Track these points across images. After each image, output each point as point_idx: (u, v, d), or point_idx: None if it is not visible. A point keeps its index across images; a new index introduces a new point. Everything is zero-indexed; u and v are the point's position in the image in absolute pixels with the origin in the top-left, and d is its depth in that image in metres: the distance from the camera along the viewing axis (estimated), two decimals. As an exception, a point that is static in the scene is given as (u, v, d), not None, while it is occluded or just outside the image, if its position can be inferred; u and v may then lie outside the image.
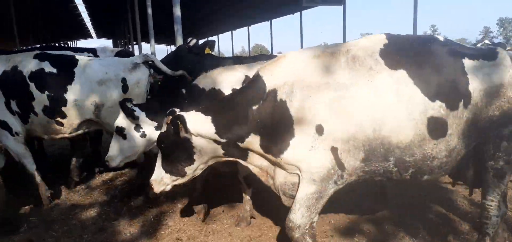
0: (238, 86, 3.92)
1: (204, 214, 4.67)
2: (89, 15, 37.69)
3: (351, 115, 2.93)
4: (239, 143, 3.20)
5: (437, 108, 2.92)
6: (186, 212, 4.88)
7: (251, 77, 3.47)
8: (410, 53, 3.06)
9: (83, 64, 5.00)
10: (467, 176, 3.35)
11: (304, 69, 3.08)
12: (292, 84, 3.02)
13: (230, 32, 39.53)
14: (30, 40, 29.01)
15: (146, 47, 20.95)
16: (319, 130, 2.96)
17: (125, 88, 5.01)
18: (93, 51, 6.21)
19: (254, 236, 4.34)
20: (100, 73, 4.95)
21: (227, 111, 3.23)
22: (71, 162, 5.79)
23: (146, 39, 17.91)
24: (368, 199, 5.03)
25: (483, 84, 2.96)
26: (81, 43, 69.01)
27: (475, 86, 2.96)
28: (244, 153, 3.31)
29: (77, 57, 5.13)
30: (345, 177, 3.10)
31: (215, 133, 3.15)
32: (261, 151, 3.19)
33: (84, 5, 30.59)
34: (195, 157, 3.24)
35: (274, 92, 3.06)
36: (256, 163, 3.36)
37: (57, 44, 43.54)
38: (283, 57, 3.29)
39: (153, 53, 12.79)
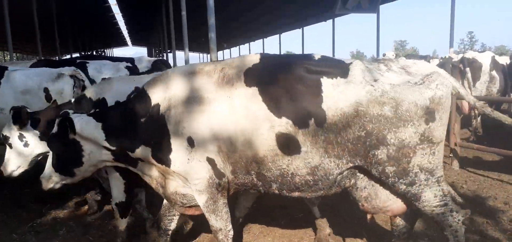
0: (124, 98, 3.97)
1: None
2: (126, 23, 38.89)
3: (214, 129, 3.05)
4: (130, 153, 3.33)
5: (284, 125, 2.90)
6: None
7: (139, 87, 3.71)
8: (271, 72, 3.08)
9: (8, 74, 5.23)
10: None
11: (182, 85, 3.20)
12: (170, 99, 3.18)
13: (261, 40, 39.60)
14: (70, 49, 30.15)
15: (180, 55, 21.50)
16: (191, 142, 3.11)
17: (47, 97, 5.21)
18: (131, 61, 6.42)
19: None
20: (24, 82, 5.20)
21: (118, 120, 3.37)
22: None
23: (179, 47, 18.38)
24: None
25: (338, 103, 2.82)
26: (117, 51, 71.17)
27: (329, 105, 2.83)
28: (134, 161, 3.43)
29: (6, 67, 5.36)
30: (223, 185, 3.22)
31: (105, 140, 3.31)
32: (154, 162, 3.31)
33: (121, 14, 31.58)
34: (84, 159, 3.38)
35: (157, 106, 3.22)
36: (146, 172, 3.48)
37: (94, 53, 45.41)
38: (167, 72, 3.46)
39: (187, 61, 13.02)
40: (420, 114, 2.79)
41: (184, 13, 11.89)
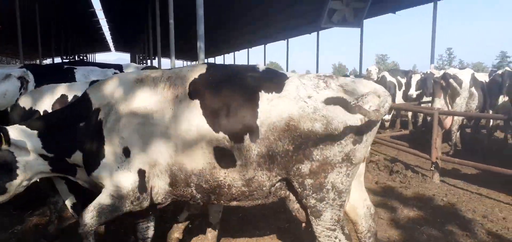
0: (58, 105, 4.03)
1: None
2: (110, 29, 38.56)
3: (154, 140, 3.03)
4: (67, 159, 3.28)
5: (222, 139, 2.91)
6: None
7: (70, 96, 3.78)
8: (214, 84, 3.06)
9: None
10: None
11: (125, 92, 3.17)
12: (111, 106, 3.15)
13: (246, 49, 39.79)
14: (52, 53, 29.68)
15: (165, 62, 21.38)
16: (126, 152, 3.07)
17: None
18: (119, 67, 6.39)
19: (271, 256, 4.38)
20: None
21: (55, 126, 3.32)
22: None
23: (163, 54, 18.34)
24: (385, 226, 5.11)
25: (271, 118, 2.84)
26: (99, 56, 70.33)
27: (263, 120, 2.84)
28: (72, 168, 3.39)
29: None
30: (141, 200, 3.17)
31: (42, 148, 3.24)
32: (83, 167, 3.28)
33: (105, 19, 31.31)
34: (18, 171, 3.23)
35: (97, 111, 3.19)
36: (84, 178, 3.42)
37: (76, 58, 44.75)
38: (112, 78, 3.40)
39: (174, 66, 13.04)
40: (349, 134, 2.82)
41: (171, 21, 11.90)
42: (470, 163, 6.87)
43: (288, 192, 3.12)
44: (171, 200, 3.33)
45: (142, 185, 3.12)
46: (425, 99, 11.82)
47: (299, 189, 2.95)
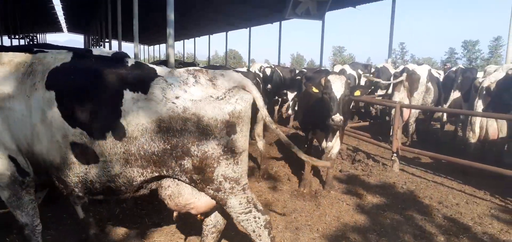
0: None
1: None
2: (63, 9, 36.73)
3: (13, 128, 2.95)
4: None
5: (79, 135, 2.84)
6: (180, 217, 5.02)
7: None
8: (75, 76, 2.95)
9: None
10: None
11: None
12: None
13: (207, 36, 39.40)
14: (1, 32, 27.91)
15: (116, 45, 20.47)
16: None
17: None
18: (90, 53, 6.22)
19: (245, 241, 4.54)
20: None
21: None
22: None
23: (114, 37, 17.72)
24: (351, 212, 5.43)
25: (139, 119, 2.82)
26: (50, 37, 66.90)
27: (129, 120, 2.82)
28: None
29: None
30: (27, 183, 3.14)
31: None
32: None
33: (59, -2, 29.83)
34: None
35: None
36: None
37: (30, 38, 42.26)
38: None
39: (136, 54, 12.74)
40: (221, 128, 2.91)
41: (136, 3, 11.60)
42: (428, 153, 7.36)
43: (159, 182, 3.12)
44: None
45: (21, 170, 3.06)
46: (379, 92, 12.33)
47: (192, 184, 3.03)
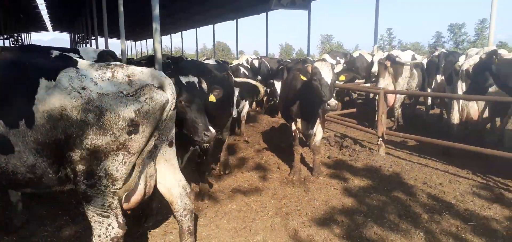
0: None
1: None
2: (47, 7, 36.25)
3: None
4: None
5: None
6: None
7: None
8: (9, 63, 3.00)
9: None
10: None
11: None
12: None
13: (194, 29, 39.26)
14: (-16, 32, 27.49)
15: (102, 42, 20.29)
16: None
17: None
18: (76, 52, 6.28)
19: (239, 227, 4.71)
20: None
21: None
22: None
23: (101, 34, 17.56)
24: (339, 195, 5.63)
25: (46, 106, 2.80)
26: (34, 36, 65.96)
27: (39, 107, 2.80)
28: None
29: None
30: None
31: None
32: None
33: (42, -4, 29.42)
34: None
35: None
36: None
37: (15, 38, 41.55)
38: None
39: (124, 50, 12.74)
40: (122, 125, 2.87)
41: (121, 1, 11.56)
42: (413, 136, 7.58)
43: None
44: None
45: None
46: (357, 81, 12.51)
47: (72, 174, 2.96)
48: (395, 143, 8.48)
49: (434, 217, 4.95)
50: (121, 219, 3.16)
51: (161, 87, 3.10)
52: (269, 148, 8.35)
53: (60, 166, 2.96)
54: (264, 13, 25.53)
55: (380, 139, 7.70)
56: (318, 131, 6.35)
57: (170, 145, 3.54)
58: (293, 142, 6.46)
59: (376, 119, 8.06)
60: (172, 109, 3.26)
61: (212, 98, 4.53)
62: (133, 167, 3.12)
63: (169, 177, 3.59)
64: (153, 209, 4.82)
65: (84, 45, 34.81)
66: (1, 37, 38.60)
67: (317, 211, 5.15)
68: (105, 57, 6.57)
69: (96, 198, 3.00)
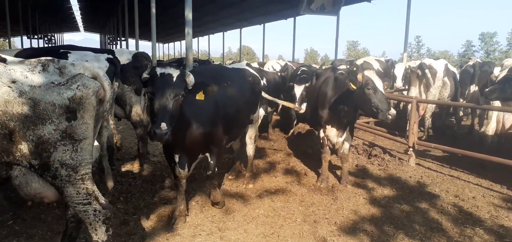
0: None
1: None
2: (80, 8, 37.40)
3: None
4: None
5: None
6: (202, 209, 5.23)
7: None
8: None
9: None
10: None
11: None
12: None
13: (221, 33, 39.57)
14: (21, 31, 28.59)
15: (132, 43, 20.74)
16: None
17: None
18: (111, 53, 6.42)
19: (267, 233, 4.71)
20: None
21: None
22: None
23: (133, 35, 17.92)
24: (368, 205, 5.56)
25: None
26: (67, 36, 68.02)
27: None
28: None
29: None
30: None
31: None
32: None
33: (76, -2, 30.37)
34: None
35: None
36: None
37: (49, 38, 43.02)
38: None
39: (154, 52, 12.98)
40: (59, 113, 2.95)
41: (153, 3, 11.80)
42: (446, 148, 7.39)
43: (10, 172, 3.07)
44: None
45: None
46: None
47: (32, 169, 3.03)
48: (425, 154, 8.30)
49: (467, 232, 4.82)
50: (102, 200, 3.28)
51: (94, 78, 3.19)
52: (295, 153, 8.33)
53: (2, 160, 2.96)
54: (292, 18, 25.50)
55: (411, 149, 7.56)
56: (347, 139, 6.30)
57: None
58: (321, 149, 6.42)
59: (407, 128, 7.92)
60: (109, 98, 3.30)
61: (200, 96, 4.14)
62: (89, 151, 3.19)
63: None
64: (182, 211, 4.89)
65: (114, 46, 35.64)
66: (36, 37, 39.98)
67: (346, 220, 5.10)
68: (140, 58, 6.69)
69: (67, 189, 3.11)
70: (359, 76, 5.39)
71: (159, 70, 3.84)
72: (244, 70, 5.95)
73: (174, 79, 3.82)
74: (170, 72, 3.85)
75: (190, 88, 3.98)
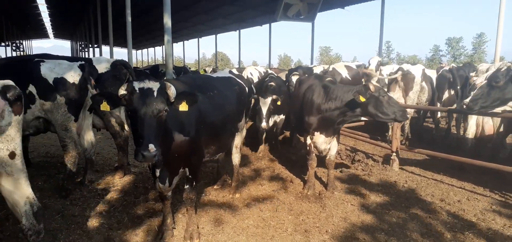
0: None
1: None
2: (50, 15, 36.29)
3: None
4: None
5: None
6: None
7: None
8: None
9: None
10: None
11: None
12: None
13: (196, 39, 39.30)
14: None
15: (105, 50, 20.09)
16: None
17: None
18: (88, 61, 6.16)
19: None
20: None
21: None
22: (66, 171, 5.78)
23: (106, 41, 17.49)
24: (357, 212, 5.52)
25: None
26: (35, 43, 65.93)
27: None
28: None
29: None
30: None
31: None
32: None
33: (45, 4, 29.47)
34: None
35: None
36: None
37: (16, 45, 41.55)
38: None
39: (130, 59, 12.65)
40: None
41: (129, 11, 11.52)
42: (430, 152, 7.46)
43: None
44: None
45: None
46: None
47: None
48: (406, 158, 8.39)
49: (457, 236, 4.85)
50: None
51: None
52: (279, 160, 8.24)
53: None
54: (267, 24, 25.59)
55: (394, 154, 7.61)
56: (333, 145, 6.27)
57: (11, 156, 3.33)
58: (308, 156, 6.35)
59: (389, 133, 7.98)
60: (9, 113, 3.18)
61: (183, 107, 3.77)
62: None
63: (16, 193, 3.43)
64: (168, 225, 4.69)
65: (86, 53, 34.75)
66: (3, 44, 38.54)
67: (337, 228, 5.04)
68: (119, 67, 6.44)
69: None
70: (372, 87, 5.41)
71: (137, 85, 3.43)
72: (229, 78, 5.80)
73: (155, 93, 3.42)
74: (149, 86, 3.44)
75: (173, 100, 3.63)
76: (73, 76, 5.71)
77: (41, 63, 5.66)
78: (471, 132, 7.40)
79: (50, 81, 5.58)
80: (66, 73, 5.74)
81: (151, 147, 3.23)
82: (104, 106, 3.60)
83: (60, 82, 5.59)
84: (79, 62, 6.03)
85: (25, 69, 5.59)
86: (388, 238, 4.75)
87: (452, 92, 9.37)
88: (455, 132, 9.18)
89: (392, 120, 5.70)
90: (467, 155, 6.95)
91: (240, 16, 25.86)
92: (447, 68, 9.77)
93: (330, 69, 11.42)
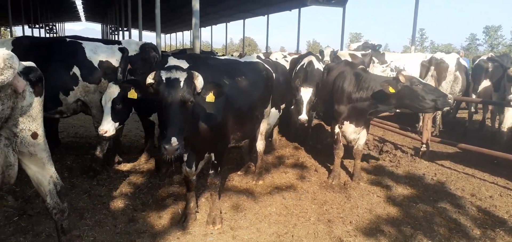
0: None
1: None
2: (82, -3, 37.11)
3: None
4: None
5: None
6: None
7: None
8: None
9: None
10: None
11: None
12: None
13: (224, 24, 39.29)
14: (22, 20, 28.38)
15: (134, 34, 20.40)
16: None
17: None
18: (119, 43, 6.24)
19: (280, 232, 4.54)
20: None
21: None
22: (94, 151, 5.90)
23: (135, 25, 17.62)
24: (382, 204, 5.39)
25: None
26: (68, 26, 67.69)
27: None
28: None
29: None
30: None
31: None
32: None
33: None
34: None
35: None
36: None
37: (50, 27, 42.77)
38: None
39: (158, 44, 12.74)
40: None
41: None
42: (462, 145, 7.18)
43: None
44: None
45: None
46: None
47: None
48: (436, 151, 8.12)
49: (487, 233, 4.66)
50: None
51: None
52: (304, 148, 8.15)
53: None
54: (297, 9, 25.23)
55: (424, 145, 7.37)
56: (362, 135, 6.12)
57: (34, 136, 3.30)
58: (335, 145, 6.24)
59: (420, 124, 7.73)
60: (30, 94, 3.10)
61: (210, 98, 3.70)
62: None
63: (40, 172, 3.41)
64: (192, 209, 4.72)
65: (116, 36, 35.34)
66: (37, 26, 39.73)
67: (361, 219, 4.94)
68: (147, 50, 6.48)
69: None
70: (402, 78, 5.22)
71: (164, 75, 3.40)
72: (257, 63, 5.73)
73: (182, 84, 3.37)
74: (176, 76, 3.39)
75: (199, 91, 3.56)
76: (117, 59, 5.83)
77: (86, 46, 5.78)
78: (507, 125, 7.06)
79: (95, 63, 5.70)
80: (110, 56, 5.86)
81: (174, 140, 3.20)
82: (132, 94, 3.65)
83: (105, 65, 5.72)
84: (117, 46, 6.14)
85: (69, 51, 5.71)
86: (414, 232, 4.62)
87: (489, 83, 8.98)
88: (490, 125, 8.82)
89: (433, 109, 5.44)
90: (501, 149, 6.64)
91: (269, 0, 25.60)
92: (484, 58, 9.35)
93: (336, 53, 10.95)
